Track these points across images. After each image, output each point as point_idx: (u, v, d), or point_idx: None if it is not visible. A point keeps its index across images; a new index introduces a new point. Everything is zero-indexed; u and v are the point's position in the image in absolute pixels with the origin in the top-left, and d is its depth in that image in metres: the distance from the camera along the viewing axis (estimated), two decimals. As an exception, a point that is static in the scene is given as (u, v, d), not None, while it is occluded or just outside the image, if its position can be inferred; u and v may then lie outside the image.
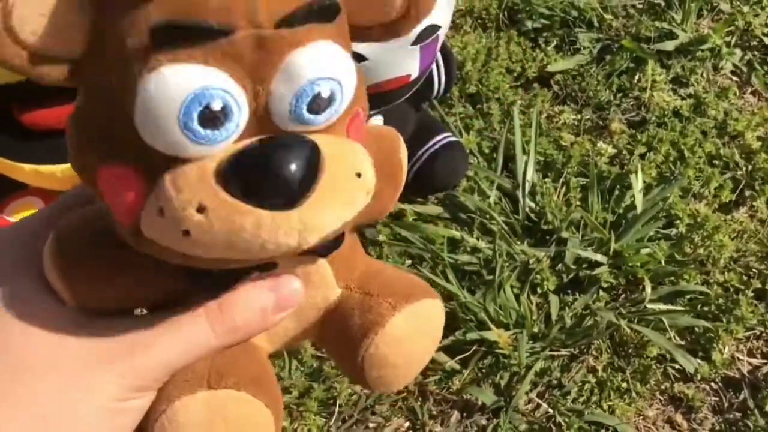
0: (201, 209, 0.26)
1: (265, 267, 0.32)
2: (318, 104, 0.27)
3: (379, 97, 0.79)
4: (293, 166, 0.26)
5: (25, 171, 0.80)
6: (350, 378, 0.40)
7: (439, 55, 0.89)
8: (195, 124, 0.25)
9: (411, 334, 0.35)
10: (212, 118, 0.25)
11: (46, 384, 0.30)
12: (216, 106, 0.25)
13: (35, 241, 0.32)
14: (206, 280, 0.31)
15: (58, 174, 0.81)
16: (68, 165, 0.81)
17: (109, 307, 0.31)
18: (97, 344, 0.30)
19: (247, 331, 0.33)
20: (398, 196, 0.39)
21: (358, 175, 0.28)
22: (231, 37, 0.25)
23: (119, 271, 0.31)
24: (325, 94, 0.27)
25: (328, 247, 0.32)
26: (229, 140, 0.26)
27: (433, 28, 0.74)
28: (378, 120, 0.88)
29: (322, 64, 0.27)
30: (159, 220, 0.27)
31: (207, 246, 0.27)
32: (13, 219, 0.85)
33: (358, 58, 0.72)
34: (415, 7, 0.29)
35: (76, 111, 0.29)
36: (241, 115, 0.26)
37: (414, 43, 0.74)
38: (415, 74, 0.79)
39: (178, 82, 0.25)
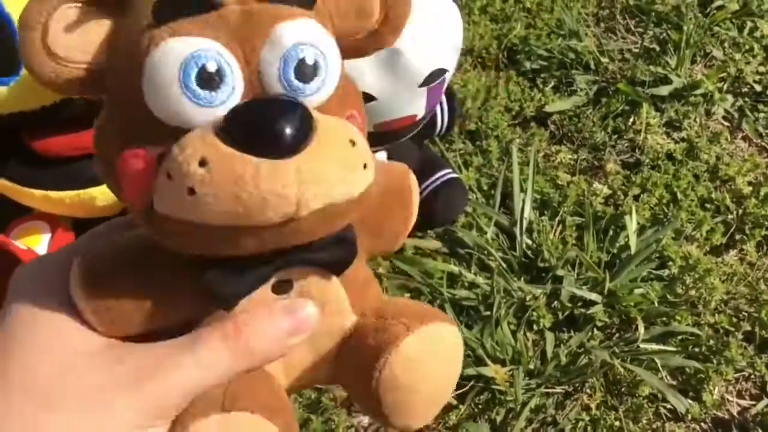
0: (203, 163, 0.28)
1: (281, 287, 0.33)
2: (304, 71, 0.29)
3: (387, 135, 0.81)
4: (288, 118, 0.28)
5: (34, 196, 0.81)
6: (369, 413, 0.39)
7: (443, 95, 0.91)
8: (194, 85, 0.28)
9: (426, 355, 0.35)
10: (209, 79, 0.28)
11: (66, 412, 0.30)
12: (211, 67, 0.28)
13: (64, 270, 0.33)
14: (224, 299, 0.32)
15: (66, 200, 0.82)
16: (77, 192, 0.82)
17: (129, 332, 0.32)
18: (116, 371, 0.31)
19: (264, 356, 0.33)
20: (412, 222, 0.40)
21: (352, 143, 0.30)
22: (220, 11, 0.29)
23: (143, 293, 0.32)
24: (309, 61, 0.29)
25: (340, 261, 0.34)
26: (227, 103, 0.29)
27: (440, 72, 0.77)
28: (382, 155, 0.90)
29: (304, 32, 0.30)
30: (167, 184, 0.28)
31: (211, 205, 0.28)
32: (19, 242, 0.85)
33: (369, 98, 0.74)
34: (393, 11, 0.33)
35: (100, 119, 0.32)
36: (234, 78, 0.29)
37: (421, 85, 0.76)
38: (421, 114, 0.81)
39: (176, 49, 0.28)
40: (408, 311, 0.36)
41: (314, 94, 0.30)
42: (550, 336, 0.92)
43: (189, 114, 0.29)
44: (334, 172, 0.29)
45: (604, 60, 1.20)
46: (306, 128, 0.28)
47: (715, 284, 0.96)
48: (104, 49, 0.30)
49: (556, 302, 0.94)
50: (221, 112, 0.29)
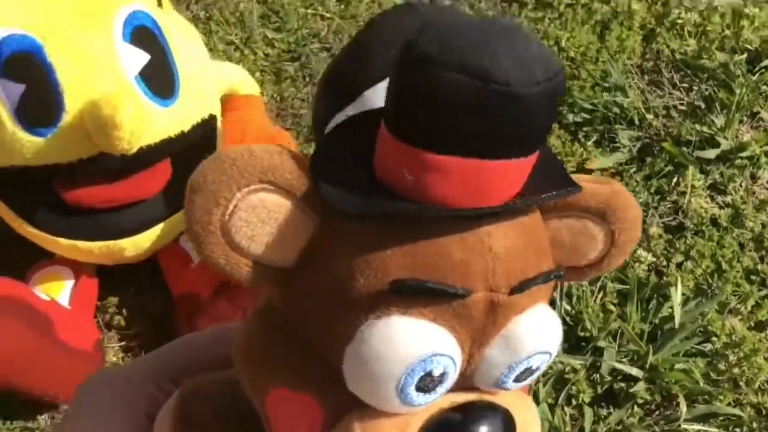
0: None
1: None
2: (524, 376, 0.26)
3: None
4: None
5: (62, 245, 0.78)
6: None
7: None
8: (411, 390, 0.24)
9: None
10: (429, 383, 0.24)
11: None
12: (437, 372, 0.24)
13: (132, 388, 0.32)
14: None
15: (95, 251, 0.78)
16: (106, 242, 0.79)
17: None
18: None
19: None
20: None
21: None
22: (466, 300, 0.24)
23: None
24: (534, 367, 0.26)
25: None
26: (433, 402, 0.25)
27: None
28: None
29: (541, 336, 0.26)
30: None
31: None
32: (39, 289, 0.81)
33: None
34: (608, 264, 0.29)
35: (266, 311, 0.28)
36: (453, 379, 0.25)
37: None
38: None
39: (407, 343, 0.23)
40: None
41: (519, 388, 0.27)
42: (588, 412, 0.88)
43: (391, 408, 0.25)
44: None
45: (649, 116, 1.17)
46: None
47: (760, 363, 0.92)
48: (299, 252, 0.25)
49: (596, 375, 0.90)
50: (424, 408, 0.25)
